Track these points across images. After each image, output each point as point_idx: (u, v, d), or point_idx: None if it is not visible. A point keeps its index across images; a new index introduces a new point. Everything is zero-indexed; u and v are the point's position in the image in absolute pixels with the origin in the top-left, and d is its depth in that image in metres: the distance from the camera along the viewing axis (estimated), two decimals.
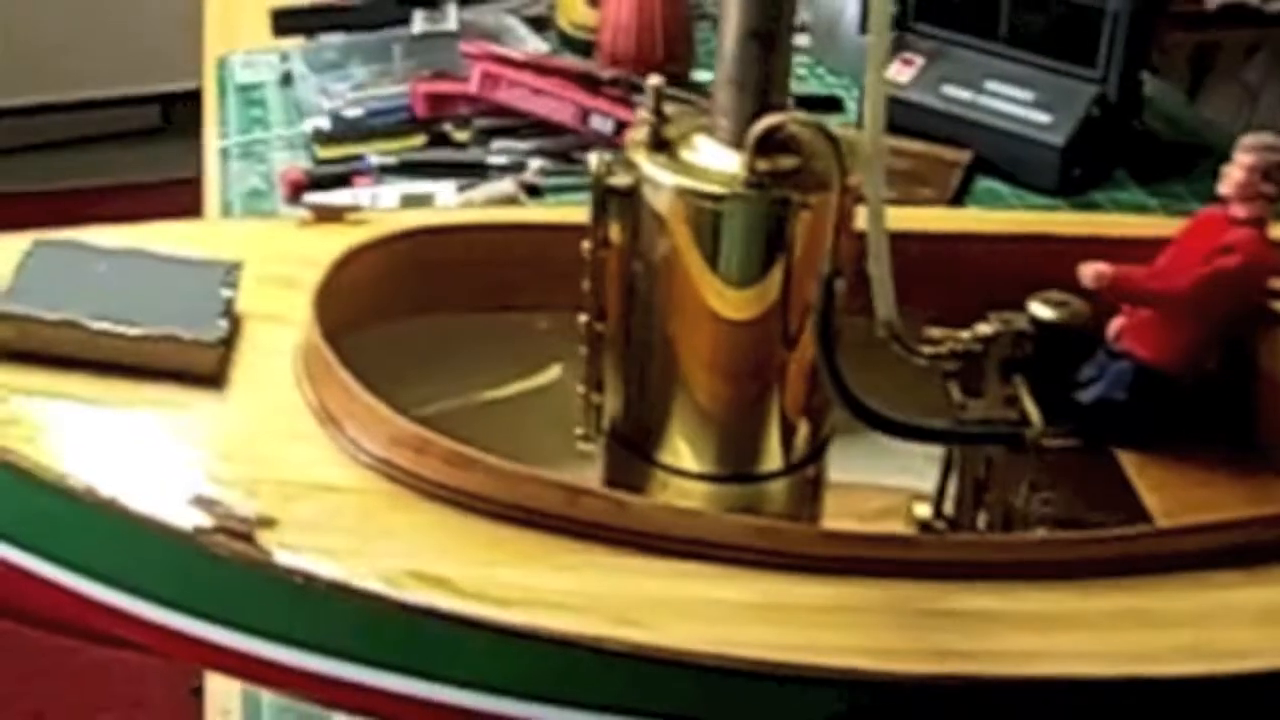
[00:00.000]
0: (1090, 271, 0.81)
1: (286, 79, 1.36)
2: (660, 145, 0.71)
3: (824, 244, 0.70)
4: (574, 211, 0.86)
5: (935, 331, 0.75)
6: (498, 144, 1.26)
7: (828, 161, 0.69)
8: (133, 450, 0.70)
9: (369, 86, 1.32)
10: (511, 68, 1.28)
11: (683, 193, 0.70)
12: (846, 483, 0.81)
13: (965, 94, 1.29)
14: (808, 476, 0.76)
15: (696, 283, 0.71)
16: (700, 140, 0.71)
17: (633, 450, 0.75)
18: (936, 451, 0.78)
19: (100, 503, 0.66)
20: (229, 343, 0.74)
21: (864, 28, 1.40)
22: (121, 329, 0.72)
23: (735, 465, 0.75)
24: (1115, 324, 0.85)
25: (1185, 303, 0.81)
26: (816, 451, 0.76)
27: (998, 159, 1.28)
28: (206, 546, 0.65)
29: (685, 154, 0.71)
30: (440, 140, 1.27)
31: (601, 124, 1.25)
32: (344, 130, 1.26)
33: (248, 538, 0.64)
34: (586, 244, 0.72)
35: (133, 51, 2.64)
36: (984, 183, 1.28)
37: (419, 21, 1.33)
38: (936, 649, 0.64)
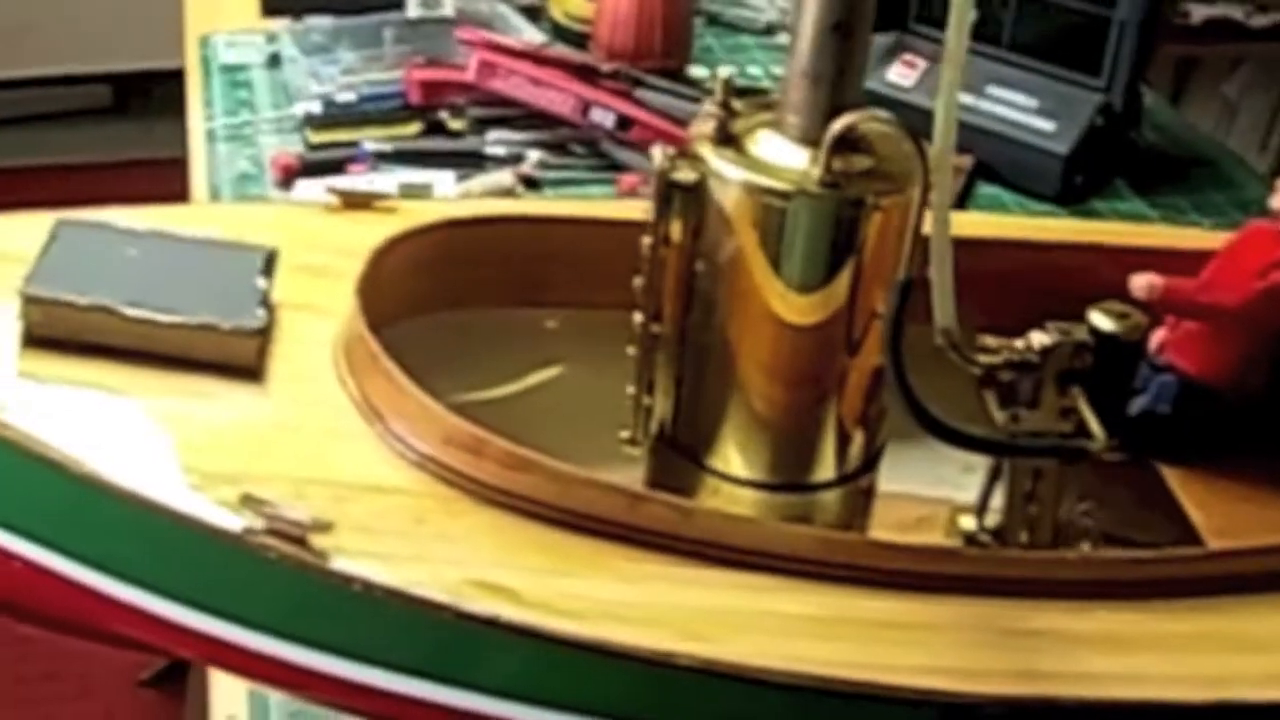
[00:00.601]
0: (1143, 283, 0.80)
1: (274, 61, 1.32)
2: (727, 140, 0.69)
3: (894, 248, 0.68)
4: (609, 206, 0.84)
5: (990, 340, 0.73)
6: (494, 134, 1.23)
7: (902, 163, 0.67)
8: (167, 444, 0.66)
9: (358, 71, 1.28)
10: (509, 57, 1.25)
11: (751, 189, 0.67)
12: (882, 492, 0.79)
13: (968, 99, 1.27)
14: (860, 487, 0.74)
15: (760, 284, 0.68)
16: (766, 136, 0.69)
17: (682, 454, 0.73)
18: (973, 461, 0.76)
19: (140, 501, 0.62)
20: (266, 333, 0.70)
21: None
22: (156, 316, 0.68)
23: (789, 474, 0.72)
24: (1157, 336, 0.84)
25: (1239, 317, 0.80)
26: (870, 462, 0.74)
27: (1000, 165, 1.27)
28: (254, 549, 0.61)
29: (752, 150, 0.68)
30: (435, 128, 1.23)
31: (602, 117, 1.22)
32: (336, 115, 1.22)
33: (301, 541, 0.61)
34: (646, 240, 0.69)
35: (84, 30, 2.57)
36: (985, 189, 1.26)
37: (413, 6, 1.30)
38: (1019, 670, 0.62)
